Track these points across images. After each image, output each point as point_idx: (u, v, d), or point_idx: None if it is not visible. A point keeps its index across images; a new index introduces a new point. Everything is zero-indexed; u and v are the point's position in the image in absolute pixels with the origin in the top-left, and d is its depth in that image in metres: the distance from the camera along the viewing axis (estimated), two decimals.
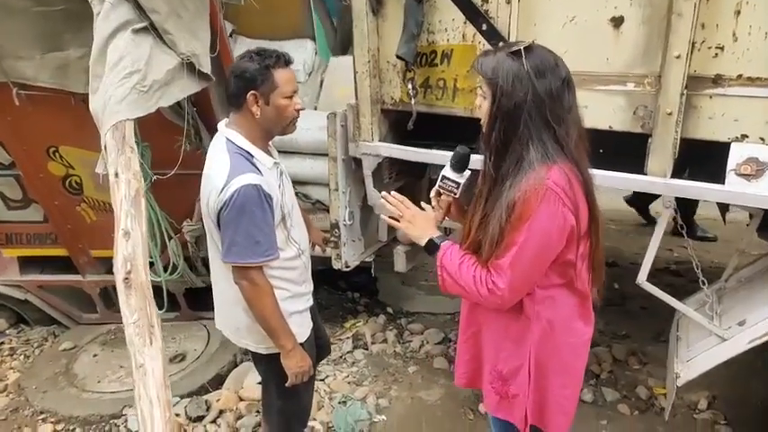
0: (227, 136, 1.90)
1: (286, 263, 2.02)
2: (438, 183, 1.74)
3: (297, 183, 2.99)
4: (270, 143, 2.06)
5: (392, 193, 1.76)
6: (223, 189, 1.80)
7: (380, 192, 2.75)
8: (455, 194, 1.72)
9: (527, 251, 1.44)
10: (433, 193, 1.77)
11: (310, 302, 2.23)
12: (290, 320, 2.03)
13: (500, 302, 1.51)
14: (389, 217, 1.78)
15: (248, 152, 1.89)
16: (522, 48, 1.41)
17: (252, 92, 1.85)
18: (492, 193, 1.51)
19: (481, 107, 1.51)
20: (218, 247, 1.94)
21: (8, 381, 3.47)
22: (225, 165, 1.84)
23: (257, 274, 1.89)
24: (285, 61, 1.90)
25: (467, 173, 1.70)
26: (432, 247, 1.63)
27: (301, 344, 2.09)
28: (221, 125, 1.96)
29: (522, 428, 1.73)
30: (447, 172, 1.70)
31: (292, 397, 2.20)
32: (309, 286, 2.23)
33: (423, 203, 1.74)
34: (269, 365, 2.11)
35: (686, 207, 4.23)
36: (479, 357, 1.79)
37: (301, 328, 2.13)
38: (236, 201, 1.78)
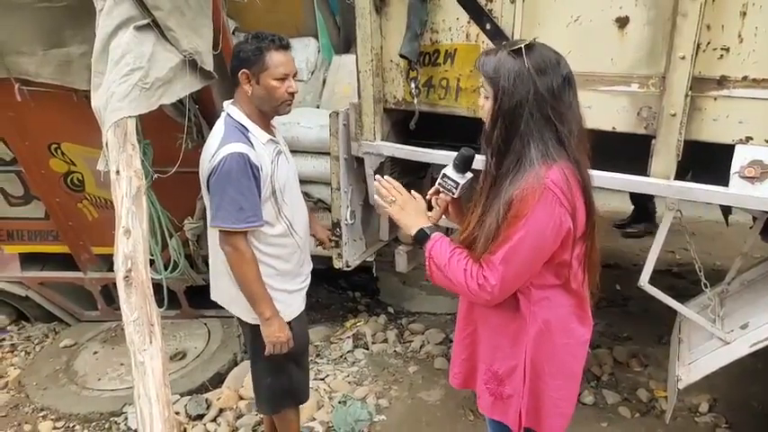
0: (228, 111, 2.03)
1: (274, 239, 2.07)
2: (438, 181, 1.74)
3: (299, 181, 2.98)
4: (274, 124, 2.15)
5: (386, 177, 1.75)
6: (213, 156, 1.92)
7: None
8: (453, 194, 1.71)
9: (521, 249, 1.43)
10: (431, 191, 1.77)
11: (305, 284, 2.27)
12: (277, 297, 2.09)
13: (489, 298, 1.50)
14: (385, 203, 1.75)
15: (244, 126, 1.99)
16: (523, 46, 1.40)
17: (243, 70, 1.96)
18: (492, 191, 1.51)
19: (484, 107, 1.51)
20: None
21: (9, 377, 3.48)
22: (219, 134, 1.97)
23: (240, 240, 1.96)
24: (280, 45, 1.98)
25: (468, 174, 1.70)
26: (422, 237, 1.62)
27: (289, 322, 2.14)
28: (226, 103, 2.07)
29: (515, 431, 1.72)
30: (449, 171, 1.70)
31: (281, 374, 2.25)
32: (306, 268, 2.28)
33: (413, 192, 1.72)
34: (255, 338, 2.14)
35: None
36: (475, 357, 1.78)
37: (290, 307, 2.17)
38: (223, 167, 1.89)
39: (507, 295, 1.53)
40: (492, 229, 1.46)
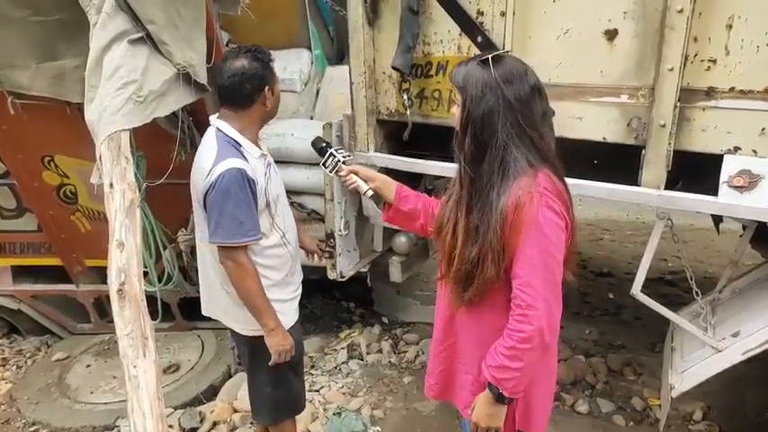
0: (218, 126, 2.02)
1: (269, 250, 2.09)
2: (329, 172, 2.17)
3: (292, 192, 2.99)
4: (260, 137, 2.18)
5: None
6: (209, 172, 1.91)
7: (377, 204, 2.77)
8: (344, 162, 2.12)
9: (546, 257, 1.43)
10: (341, 185, 1.94)
11: (297, 293, 2.29)
12: (274, 307, 2.09)
13: (540, 322, 1.43)
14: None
15: (236, 141, 2.00)
16: (490, 57, 1.47)
17: (266, 87, 2.02)
18: (475, 201, 1.52)
19: (455, 114, 1.56)
20: (204, 232, 2.03)
21: (0, 392, 3.44)
22: (212, 151, 1.96)
23: (241, 255, 1.97)
24: None
25: (331, 147, 2.15)
26: (497, 395, 1.52)
27: None
28: (212, 118, 2.06)
29: None
30: (323, 162, 2.14)
31: (281, 384, 2.26)
32: (298, 277, 2.29)
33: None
34: (253, 349, 2.15)
35: None
36: (453, 368, 1.79)
37: (285, 316, 2.18)
38: (222, 183, 1.89)
39: (557, 310, 1.48)
40: (494, 244, 1.46)
